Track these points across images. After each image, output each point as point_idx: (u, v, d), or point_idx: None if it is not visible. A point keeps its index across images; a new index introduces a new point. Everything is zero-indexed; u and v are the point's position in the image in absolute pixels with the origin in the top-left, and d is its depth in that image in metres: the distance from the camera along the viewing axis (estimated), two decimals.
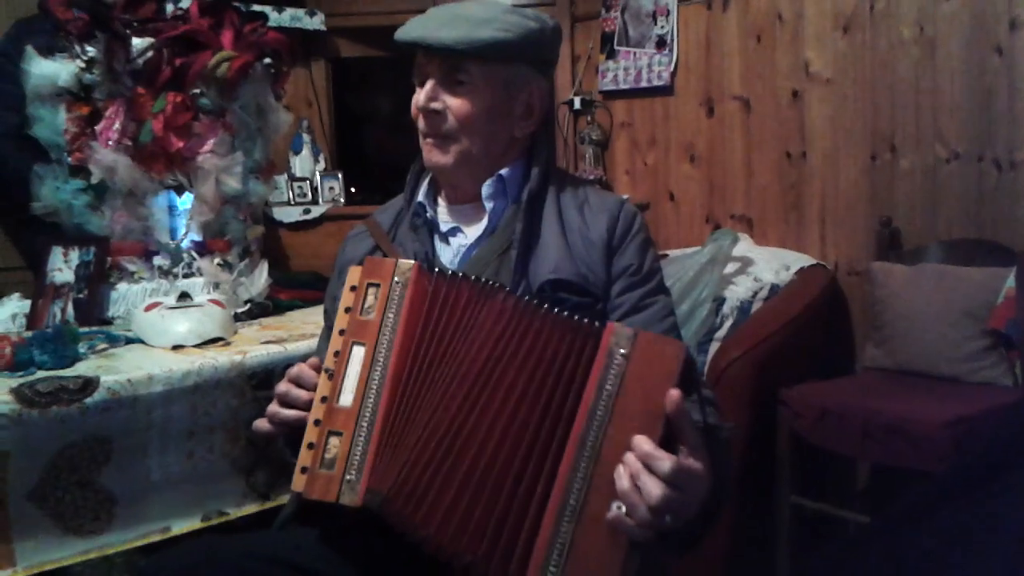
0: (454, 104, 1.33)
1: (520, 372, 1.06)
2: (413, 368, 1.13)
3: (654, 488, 0.95)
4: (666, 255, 3.16)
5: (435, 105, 1.34)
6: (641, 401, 0.99)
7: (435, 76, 1.34)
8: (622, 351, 1.01)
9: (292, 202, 3.56)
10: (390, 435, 1.11)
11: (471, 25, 1.29)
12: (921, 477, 2.31)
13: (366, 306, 1.17)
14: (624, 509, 0.96)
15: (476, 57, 1.30)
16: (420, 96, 1.35)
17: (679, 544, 1.08)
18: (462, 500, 1.04)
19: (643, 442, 0.97)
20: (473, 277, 1.15)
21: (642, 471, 0.96)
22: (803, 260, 2.94)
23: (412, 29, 1.32)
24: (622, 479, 0.97)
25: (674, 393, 0.97)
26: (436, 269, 1.18)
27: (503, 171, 1.39)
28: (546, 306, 1.09)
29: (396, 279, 1.17)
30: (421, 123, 1.37)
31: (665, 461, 0.95)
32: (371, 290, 1.18)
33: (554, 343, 1.06)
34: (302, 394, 1.20)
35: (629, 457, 0.97)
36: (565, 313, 1.08)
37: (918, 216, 2.80)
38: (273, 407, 1.23)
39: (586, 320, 1.06)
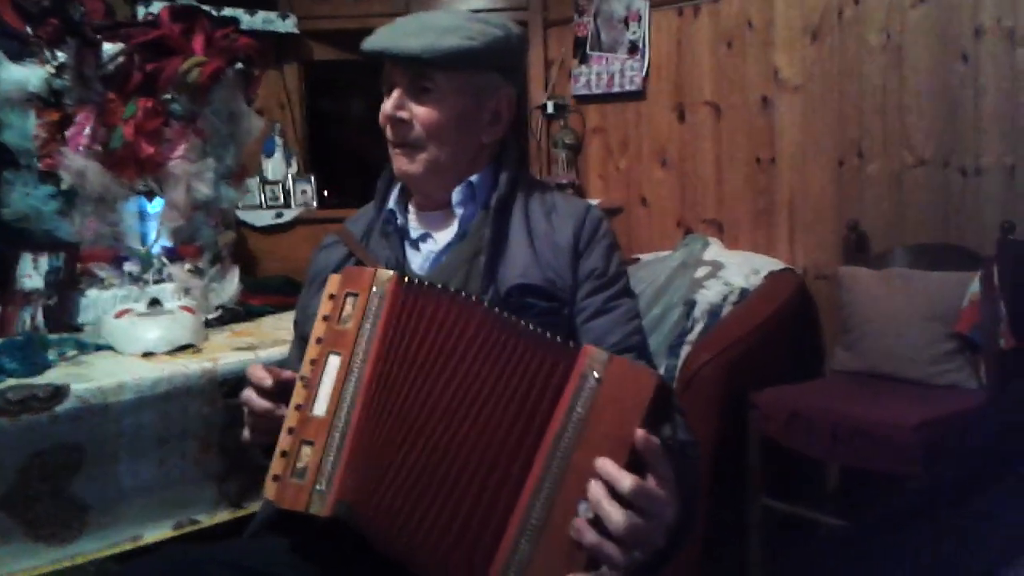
0: (420, 112, 1.34)
1: (495, 390, 1.05)
2: (388, 380, 1.12)
3: (616, 515, 0.94)
4: (638, 259, 3.18)
5: (401, 114, 1.35)
6: (610, 427, 0.97)
7: (401, 85, 1.35)
8: (595, 375, 1.00)
9: (264, 206, 3.55)
10: (362, 447, 1.11)
11: (436, 34, 1.30)
12: (890, 479, 2.34)
13: (343, 315, 1.17)
14: (587, 538, 0.95)
15: (441, 66, 1.31)
16: (387, 105, 1.35)
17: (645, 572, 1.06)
18: (430, 512, 1.04)
19: (607, 463, 0.96)
20: (452, 289, 1.15)
21: (604, 497, 0.95)
22: (772, 264, 2.97)
23: (378, 39, 1.33)
24: (582, 520, 0.96)
25: (640, 433, 0.95)
26: (415, 280, 1.17)
27: (472, 177, 1.40)
28: (523, 322, 1.08)
29: (375, 289, 1.16)
30: (389, 132, 1.37)
31: (626, 480, 0.94)
32: (349, 299, 1.17)
33: (529, 361, 1.05)
34: (262, 403, 1.22)
35: (593, 487, 0.96)
36: (542, 331, 1.07)
37: (885, 221, 2.84)
38: (251, 419, 1.25)
39: (562, 340, 1.05)
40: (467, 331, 1.09)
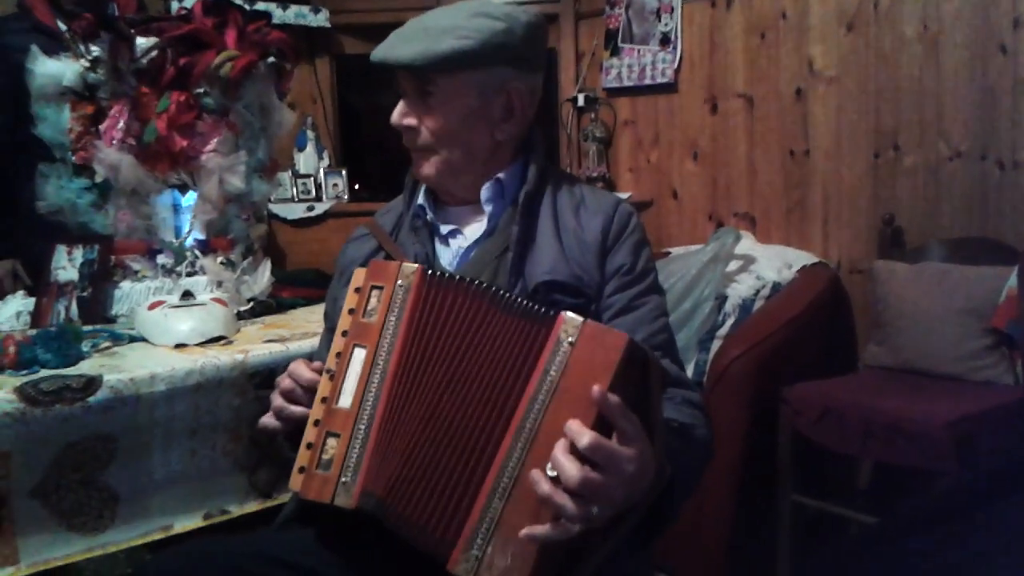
0: (426, 118, 1.35)
1: (490, 365, 1.08)
2: (412, 371, 1.14)
3: (570, 469, 0.96)
4: (669, 252, 3.17)
5: (407, 121, 1.36)
6: (580, 387, 1.00)
7: (407, 91, 1.36)
8: (570, 339, 1.03)
9: (296, 199, 3.57)
10: (387, 438, 1.12)
11: (430, 38, 1.29)
12: (923, 476, 2.31)
13: (369, 308, 1.18)
14: (540, 488, 0.98)
15: (438, 70, 1.30)
16: (394, 113, 1.37)
17: (624, 536, 1.08)
18: (435, 492, 1.07)
19: (572, 422, 0.98)
20: (476, 281, 1.15)
21: (561, 452, 0.97)
22: (805, 258, 2.94)
23: (380, 49, 1.33)
24: (538, 472, 0.99)
25: (596, 388, 0.97)
26: (440, 273, 1.18)
27: (501, 174, 1.39)
28: (513, 297, 1.11)
29: (400, 282, 1.17)
30: (403, 137, 1.39)
31: (584, 436, 0.96)
32: (375, 292, 1.19)
33: (517, 333, 1.08)
34: (303, 392, 1.22)
35: (557, 444, 0.99)
36: (530, 304, 1.09)
37: (921, 214, 2.80)
38: (280, 402, 1.25)
39: (543, 309, 1.07)
40: (476, 318, 1.12)
